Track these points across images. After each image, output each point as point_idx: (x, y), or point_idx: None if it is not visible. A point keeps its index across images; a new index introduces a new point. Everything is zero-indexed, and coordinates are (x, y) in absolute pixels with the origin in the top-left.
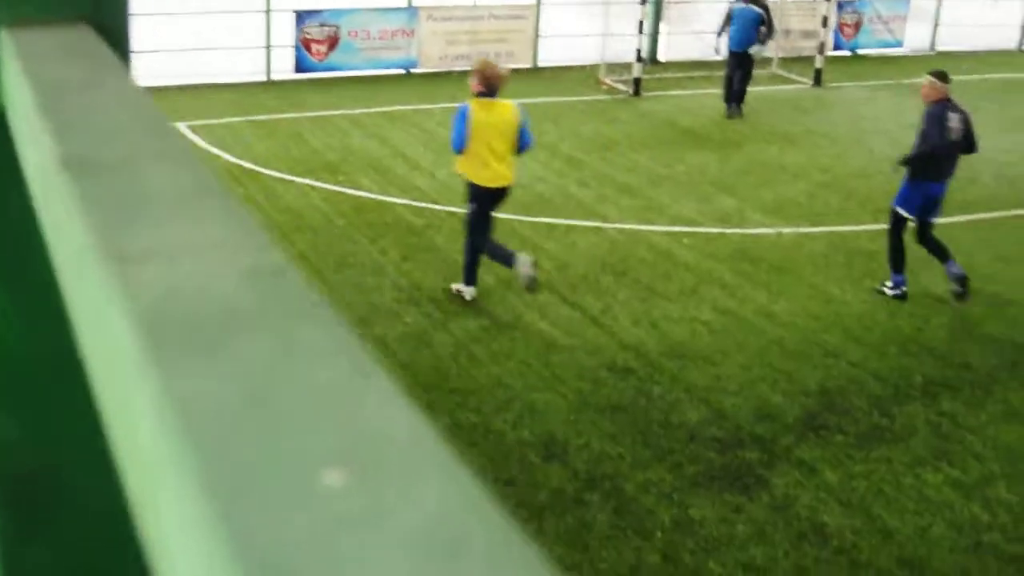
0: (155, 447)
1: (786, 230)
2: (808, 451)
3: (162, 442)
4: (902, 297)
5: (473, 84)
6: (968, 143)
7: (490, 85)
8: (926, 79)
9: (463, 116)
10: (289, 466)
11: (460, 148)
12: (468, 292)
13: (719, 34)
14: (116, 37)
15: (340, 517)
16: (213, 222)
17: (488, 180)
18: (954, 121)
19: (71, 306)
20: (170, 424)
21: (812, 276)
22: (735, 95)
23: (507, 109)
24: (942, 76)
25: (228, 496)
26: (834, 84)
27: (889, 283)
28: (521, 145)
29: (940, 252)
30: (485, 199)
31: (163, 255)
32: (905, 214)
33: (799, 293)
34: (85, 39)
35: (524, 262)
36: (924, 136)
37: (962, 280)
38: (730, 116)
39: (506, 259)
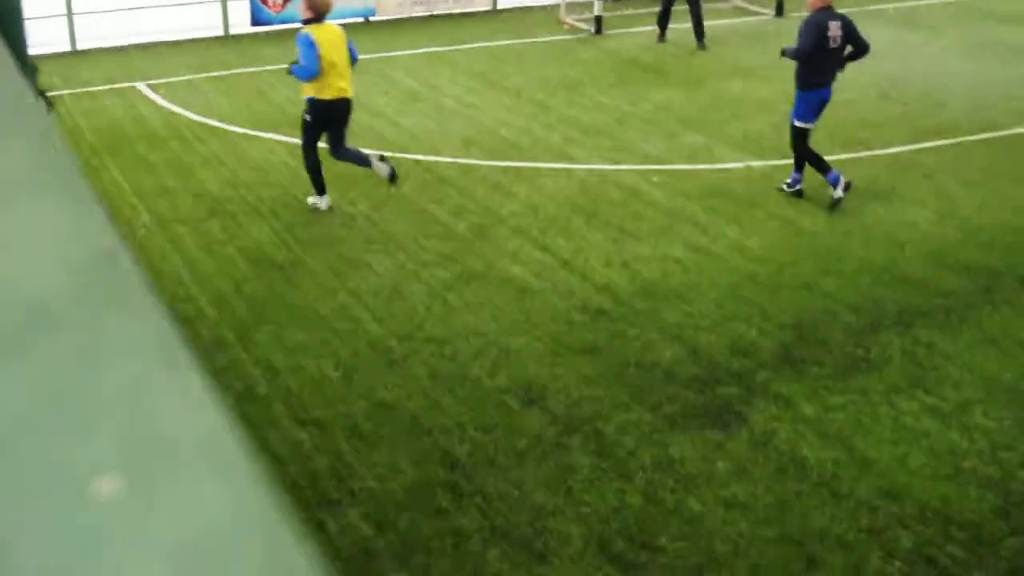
0: None
1: (755, 164)
2: (785, 385)
3: None
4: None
5: (304, 12)
6: (856, 46)
7: (318, 10)
8: None
9: (310, 43)
10: (64, 475)
11: (317, 72)
12: (323, 202)
13: None
14: (5, 13)
15: (104, 529)
16: (55, 206)
17: (336, 94)
18: (834, 29)
19: None
20: None
21: (783, 209)
22: (696, 31)
23: (335, 28)
24: None
25: None
26: (796, 14)
27: (789, 181)
28: (353, 59)
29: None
30: (332, 113)
31: None
32: (806, 125)
33: (771, 227)
34: None
35: (380, 167)
36: (799, 44)
37: (846, 186)
38: (660, 40)
39: (364, 161)
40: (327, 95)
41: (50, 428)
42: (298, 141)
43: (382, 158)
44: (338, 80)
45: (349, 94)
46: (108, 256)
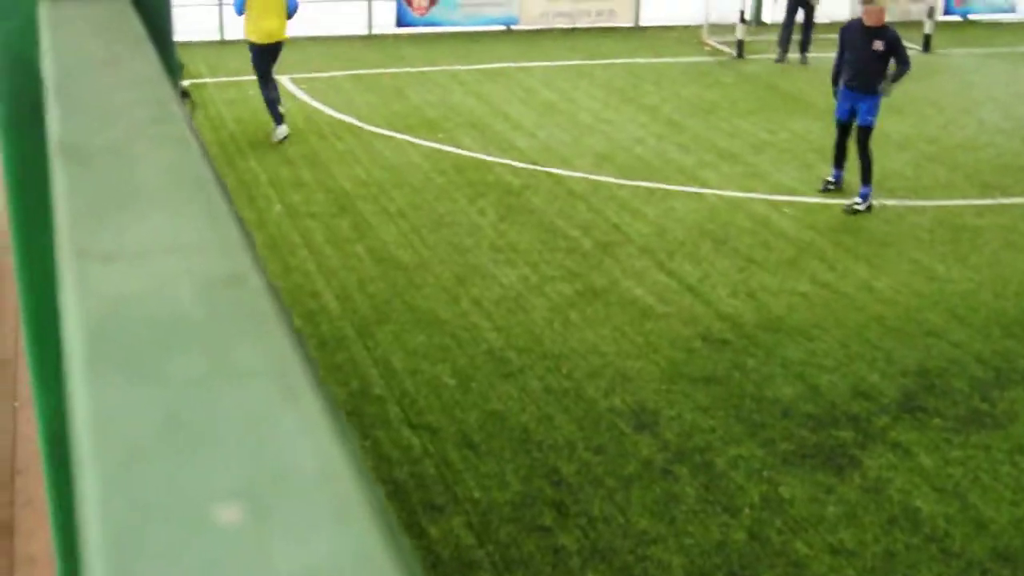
0: (69, 457)
1: (890, 203)
2: (904, 433)
3: (75, 455)
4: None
5: None
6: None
7: None
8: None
9: None
10: (187, 499)
11: (241, 10)
12: (280, 131)
13: None
14: (153, 9)
15: (223, 557)
16: (189, 220)
17: (265, 38)
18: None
19: (24, 303)
20: (82, 441)
21: (915, 251)
22: (802, 43)
23: None
24: None
25: (118, 526)
26: (943, 51)
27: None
28: (291, 8)
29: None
30: (264, 55)
31: (128, 256)
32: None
33: (901, 269)
34: (119, 13)
35: (279, 133)
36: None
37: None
38: (779, 61)
39: (277, 118)
40: (257, 38)
41: (174, 452)
42: (430, 143)
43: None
44: (266, 21)
45: (278, 37)
46: (239, 279)
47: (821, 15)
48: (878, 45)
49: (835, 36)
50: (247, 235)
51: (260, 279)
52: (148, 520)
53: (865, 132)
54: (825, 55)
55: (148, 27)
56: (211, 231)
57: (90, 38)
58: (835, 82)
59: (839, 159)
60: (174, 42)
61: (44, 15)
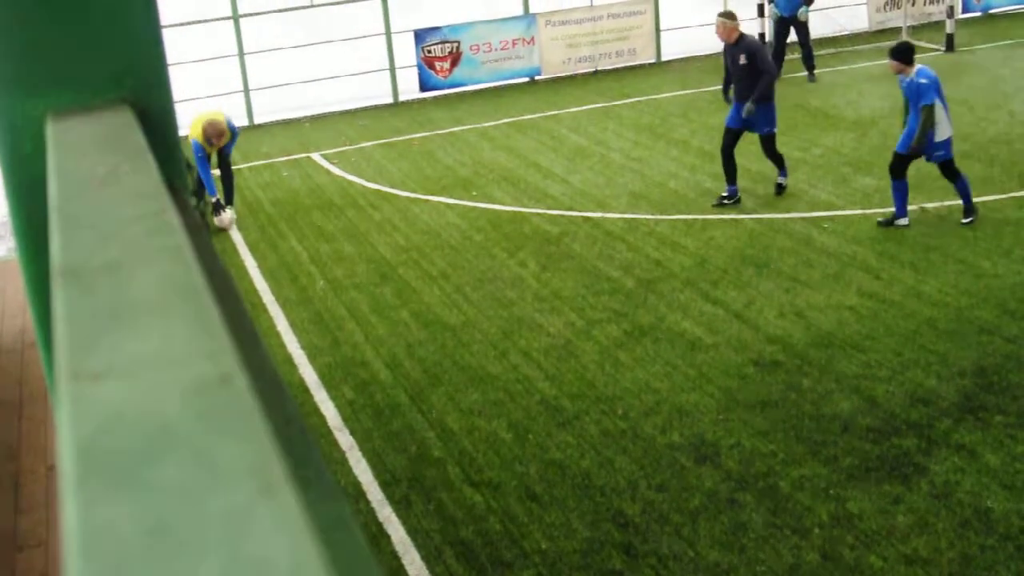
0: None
1: (929, 205)
2: (967, 434)
3: (66, 570)
4: None
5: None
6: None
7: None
8: (721, 21)
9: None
10: None
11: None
12: (229, 214)
13: (769, 1)
14: (158, 118)
15: None
16: (178, 331)
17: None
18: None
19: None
20: (71, 557)
21: (960, 251)
22: (804, 61)
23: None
24: (734, 16)
25: None
26: (967, 48)
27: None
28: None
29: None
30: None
31: (118, 373)
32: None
33: (948, 270)
34: (122, 126)
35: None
36: (767, 64)
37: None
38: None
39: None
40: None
41: (158, 559)
42: (465, 202)
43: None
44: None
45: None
46: (224, 381)
47: (838, 26)
48: (742, 59)
49: (858, 48)
50: (247, 328)
51: (244, 379)
52: None
53: (766, 141)
54: (846, 68)
55: (151, 135)
56: (199, 339)
57: (92, 155)
58: (724, 94)
59: (729, 173)
60: (179, 145)
61: (51, 134)
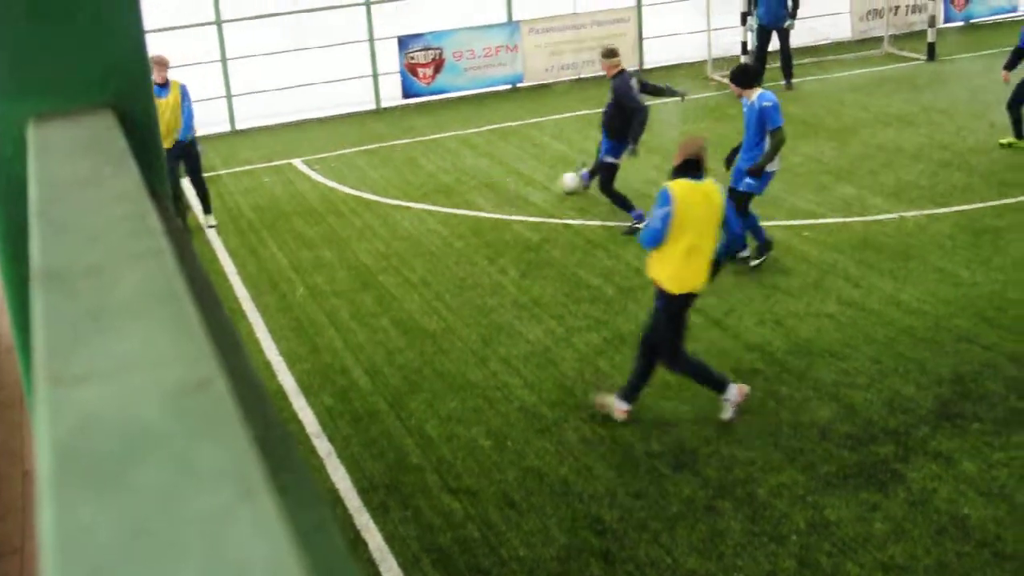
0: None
1: (909, 214)
2: (944, 442)
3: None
4: None
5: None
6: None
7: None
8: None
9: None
10: None
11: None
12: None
13: (750, 13)
14: (141, 122)
15: None
16: (157, 334)
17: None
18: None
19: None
20: (47, 560)
21: (939, 259)
22: (783, 69)
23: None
24: (613, 53)
25: None
26: (948, 57)
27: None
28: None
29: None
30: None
31: (98, 376)
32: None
33: (927, 278)
34: (104, 130)
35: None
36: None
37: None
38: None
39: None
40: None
41: (137, 560)
42: (446, 209)
43: None
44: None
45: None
46: (204, 384)
47: (821, 35)
48: (609, 95)
49: (841, 57)
50: (228, 333)
51: (224, 383)
52: None
53: (602, 169)
54: (828, 76)
55: (133, 139)
56: (179, 342)
57: (73, 158)
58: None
59: (622, 202)
60: (162, 150)
61: (32, 138)
